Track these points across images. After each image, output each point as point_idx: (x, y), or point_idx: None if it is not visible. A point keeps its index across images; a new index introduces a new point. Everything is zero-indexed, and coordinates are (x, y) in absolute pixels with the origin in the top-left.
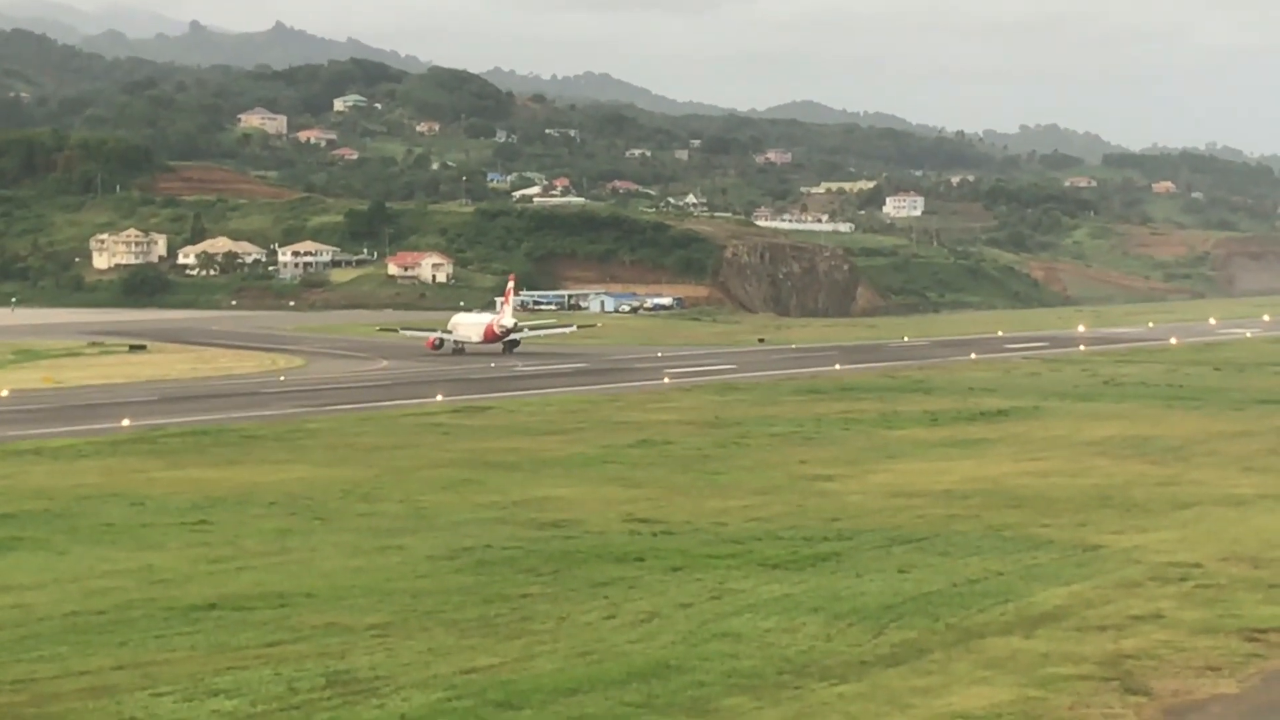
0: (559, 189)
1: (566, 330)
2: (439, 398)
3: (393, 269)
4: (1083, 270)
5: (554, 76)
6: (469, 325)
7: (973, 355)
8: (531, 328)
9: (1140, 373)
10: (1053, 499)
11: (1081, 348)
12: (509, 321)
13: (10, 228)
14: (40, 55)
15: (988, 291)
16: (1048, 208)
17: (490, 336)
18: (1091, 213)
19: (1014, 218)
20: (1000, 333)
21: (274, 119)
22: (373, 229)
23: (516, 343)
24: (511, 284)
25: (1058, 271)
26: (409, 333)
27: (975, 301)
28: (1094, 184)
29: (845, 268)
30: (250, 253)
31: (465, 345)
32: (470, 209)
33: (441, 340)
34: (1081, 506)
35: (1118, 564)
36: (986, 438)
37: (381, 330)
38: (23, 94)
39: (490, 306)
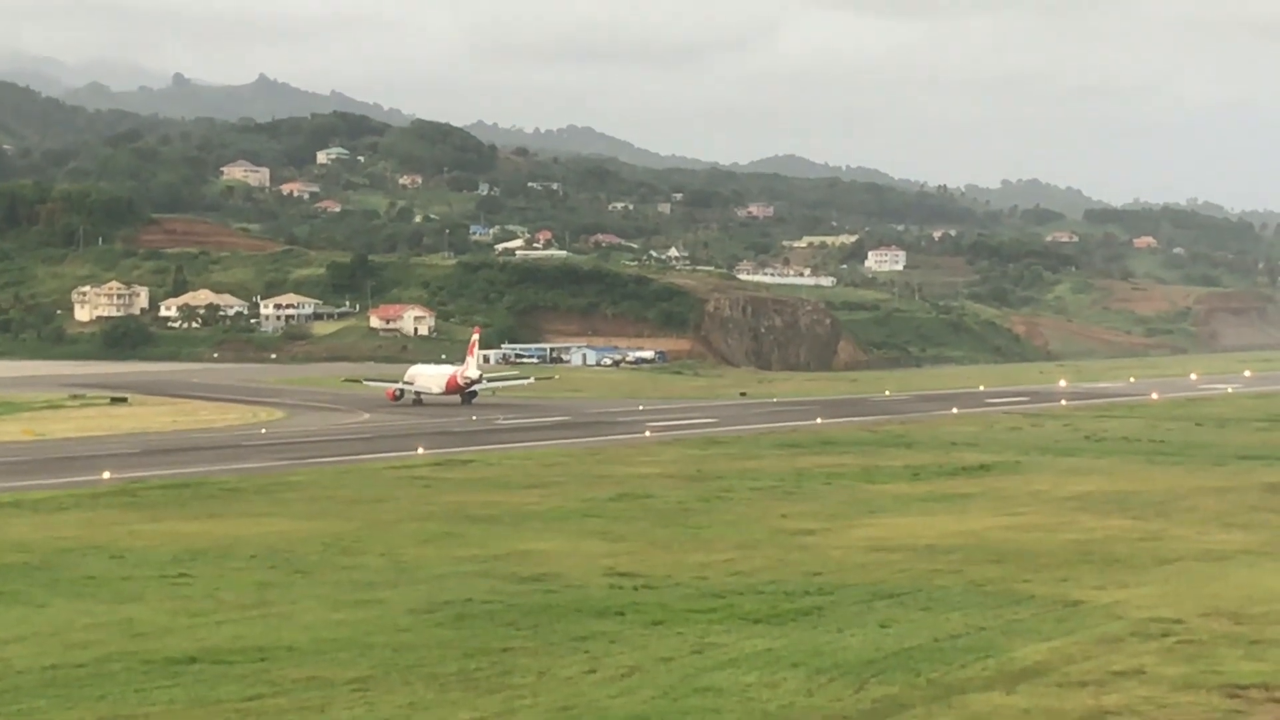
0: (541, 242)
1: (524, 382)
2: (420, 451)
3: (375, 322)
4: (1064, 325)
5: (537, 130)
6: (429, 376)
7: (954, 410)
8: (490, 379)
9: (1122, 428)
10: (1034, 554)
11: (1063, 403)
12: (473, 373)
13: None
14: (23, 107)
15: (969, 346)
16: (1029, 263)
17: (453, 387)
18: (1073, 268)
19: (996, 272)
20: (982, 387)
21: (257, 171)
22: (355, 282)
23: (475, 394)
24: (476, 336)
25: (1039, 326)
26: (372, 384)
27: (957, 356)
28: (1075, 239)
29: (827, 322)
30: (232, 305)
31: (425, 396)
32: (452, 262)
33: (401, 391)
34: (1063, 561)
35: (1099, 619)
36: (968, 492)
37: (346, 381)
38: (5, 146)
39: None
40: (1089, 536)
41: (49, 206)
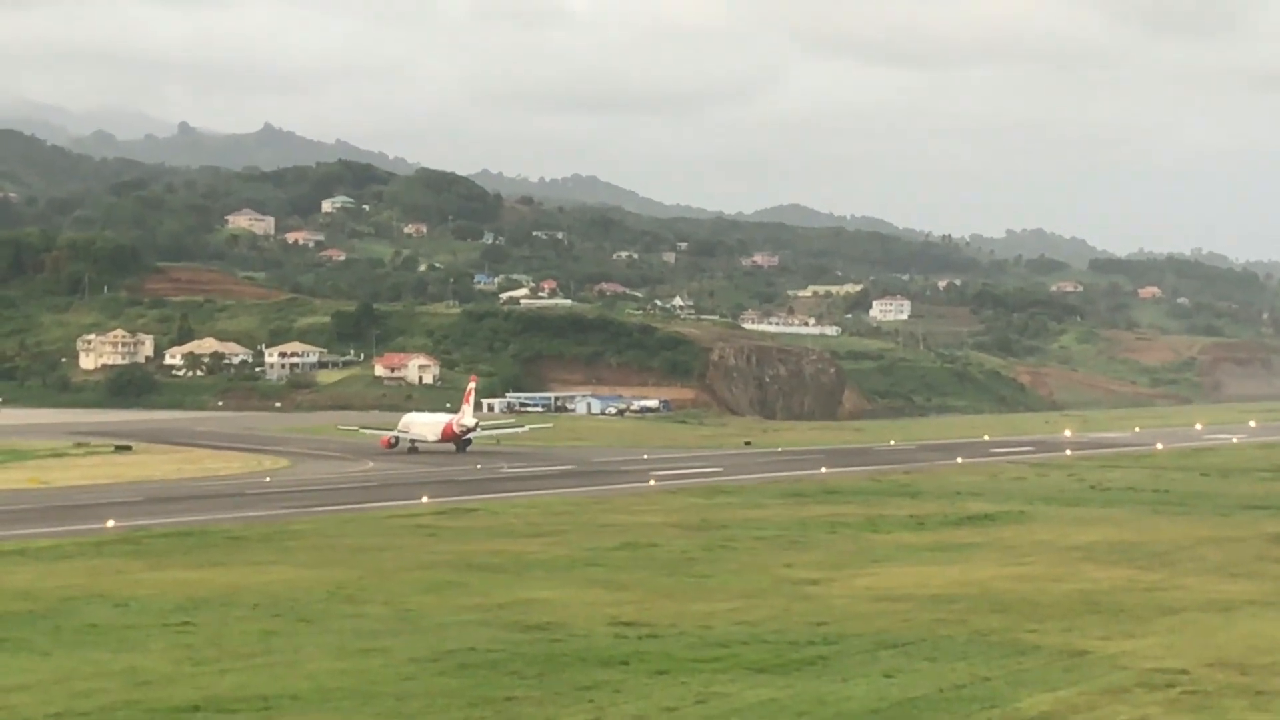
0: (546, 291)
1: (520, 430)
2: (424, 499)
3: (379, 370)
4: (1069, 375)
5: (542, 179)
6: (424, 424)
7: (959, 459)
8: (484, 427)
9: (1127, 478)
10: (1039, 604)
11: (1068, 452)
12: (469, 421)
13: None
14: (29, 156)
15: (974, 396)
16: (1034, 312)
17: (449, 435)
18: (1078, 317)
19: (1000, 322)
20: (987, 437)
21: (262, 220)
22: (360, 330)
23: (470, 442)
24: (473, 385)
25: (1044, 376)
26: (368, 431)
27: (962, 405)
28: (1080, 289)
29: (832, 371)
30: (237, 353)
31: (420, 444)
32: (457, 310)
33: (397, 439)
34: (1068, 612)
35: (1104, 670)
36: (973, 542)
37: (340, 429)
38: (11, 194)
39: (477, 408)
40: (1094, 586)
41: (54, 255)
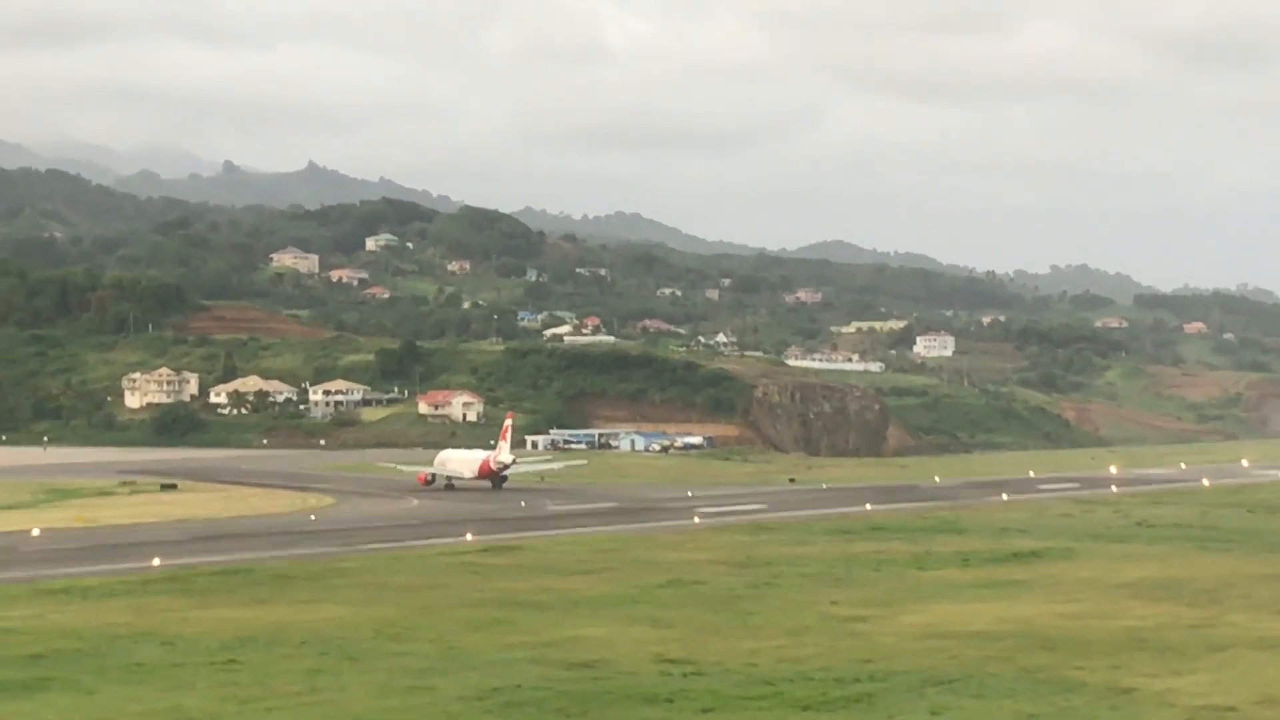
0: (590, 328)
1: (555, 466)
2: (469, 537)
3: (423, 408)
4: (1114, 411)
5: (585, 216)
6: (460, 461)
7: (1005, 496)
8: (521, 463)
9: (1173, 514)
10: (1086, 641)
11: (1114, 489)
12: (506, 458)
13: (44, 367)
14: (75, 195)
15: (1019, 432)
16: (1079, 348)
17: (485, 472)
18: (1123, 353)
19: (1045, 358)
20: (1032, 473)
21: (306, 258)
22: (404, 368)
23: (505, 478)
24: (510, 421)
25: (1089, 412)
26: (406, 468)
27: (1007, 442)
28: (1125, 324)
29: (876, 407)
30: (281, 391)
31: (456, 481)
32: (501, 348)
33: (434, 476)
34: (1115, 649)
35: (1152, 707)
36: (1019, 579)
37: (378, 466)
38: (57, 233)
39: (520, 445)
40: (1141, 624)
41: (100, 294)
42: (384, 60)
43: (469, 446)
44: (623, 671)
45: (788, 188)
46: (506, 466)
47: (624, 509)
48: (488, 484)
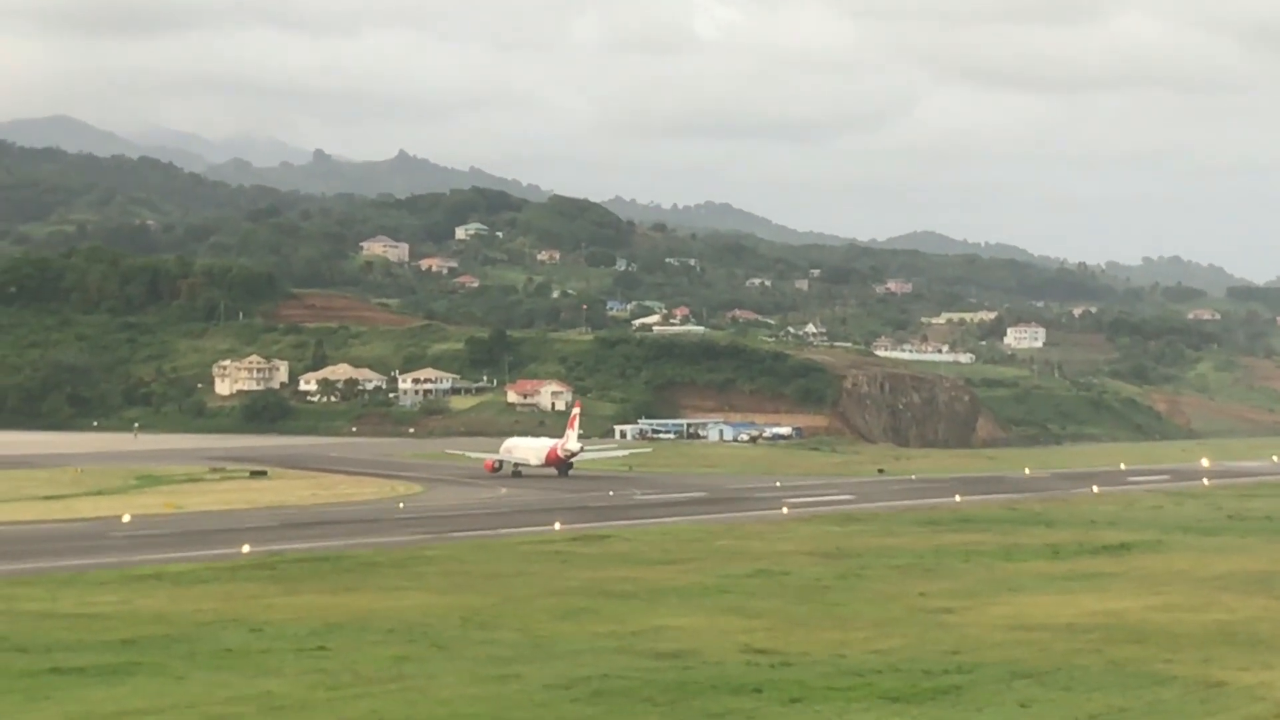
0: (678, 318)
1: (621, 454)
2: (557, 526)
3: (512, 397)
4: (1206, 403)
5: (674, 205)
6: (528, 449)
7: (1095, 488)
8: (588, 450)
9: (1265, 507)
10: (1176, 634)
11: (1205, 481)
12: (574, 445)
13: (135, 354)
14: (167, 183)
15: (1110, 424)
16: (1171, 340)
17: (552, 460)
18: (1215, 345)
19: (1137, 350)
20: (1123, 465)
21: (396, 247)
22: (493, 357)
23: (572, 465)
24: (578, 410)
25: (1181, 404)
26: (475, 455)
27: (1097, 434)
28: (1217, 316)
29: (966, 399)
30: (371, 380)
31: (523, 468)
32: (590, 337)
33: (500, 463)
34: (1205, 642)
35: (1243, 701)
36: (1109, 571)
37: (448, 453)
38: (149, 221)
39: (609, 434)
40: (1232, 616)
41: (190, 281)
42: (473, 49)
43: (558, 436)
44: (710, 661)
45: (878, 178)
46: (573, 454)
47: (712, 499)
48: (554, 471)
